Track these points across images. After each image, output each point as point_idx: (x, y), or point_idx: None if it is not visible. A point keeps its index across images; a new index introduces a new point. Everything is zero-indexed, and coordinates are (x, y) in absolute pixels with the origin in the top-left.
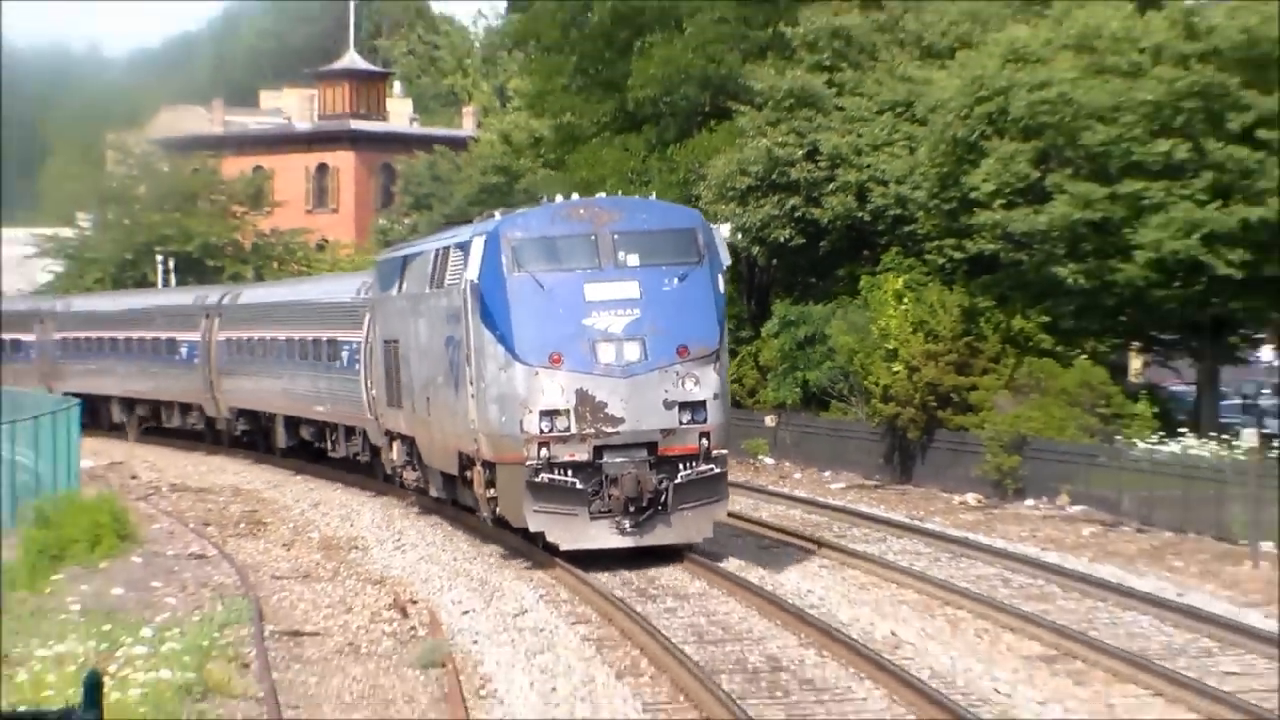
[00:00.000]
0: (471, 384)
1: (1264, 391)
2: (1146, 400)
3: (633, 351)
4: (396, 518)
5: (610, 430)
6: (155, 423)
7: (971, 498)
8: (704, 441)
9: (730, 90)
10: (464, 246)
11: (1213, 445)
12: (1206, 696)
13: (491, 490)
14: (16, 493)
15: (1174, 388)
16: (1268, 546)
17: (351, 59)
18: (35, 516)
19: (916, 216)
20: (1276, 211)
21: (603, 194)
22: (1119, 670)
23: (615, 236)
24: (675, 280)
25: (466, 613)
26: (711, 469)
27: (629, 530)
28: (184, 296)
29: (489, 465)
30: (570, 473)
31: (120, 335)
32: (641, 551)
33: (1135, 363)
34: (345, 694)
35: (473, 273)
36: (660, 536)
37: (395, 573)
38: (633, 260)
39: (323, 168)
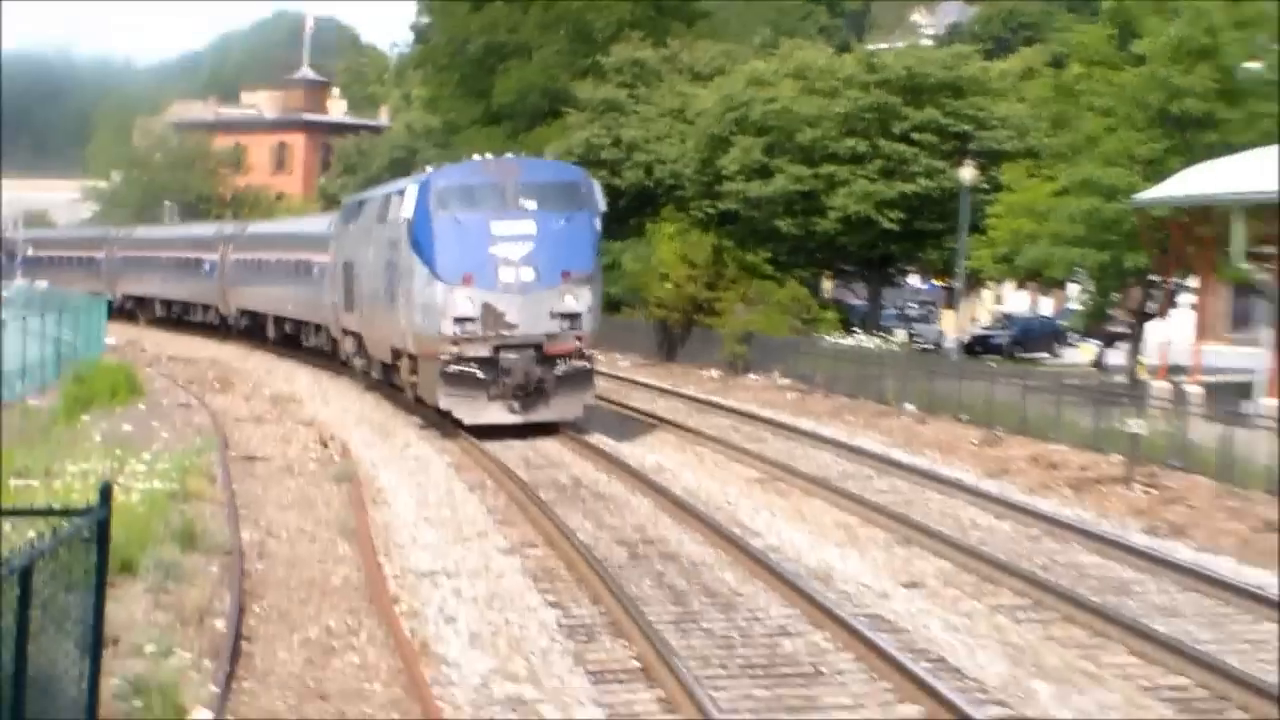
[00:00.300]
0: (403, 296)
1: (910, 305)
2: (833, 310)
3: (527, 274)
4: (326, 382)
5: (507, 334)
6: (184, 318)
7: (714, 373)
8: (579, 344)
9: (563, 98)
10: (402, 192)
11: (876, 340)
12: (865, 505)
13: (414, 376)
14: (61, 359)
15: (852, 302)
16: (910, 407)
17: (305, 71)
18: (71, 376)
19: (685, 185)
20: (922, 187)
21: None
22: (809, 488)
23: (517, 186)
24: (562, 221)
25: (370, 447)
26: (584, 365)
27: (517, 410)
28: (207, 229)
29: (413, 358)
30: (476, 365)
31: (162, 255)
32: (528, 426)
33: (827, 285)
34: (283, 499)
35: (408, 212)
36: (542, 415)
37: (321, 418)
38: (530, 205)
39: (282, 145)
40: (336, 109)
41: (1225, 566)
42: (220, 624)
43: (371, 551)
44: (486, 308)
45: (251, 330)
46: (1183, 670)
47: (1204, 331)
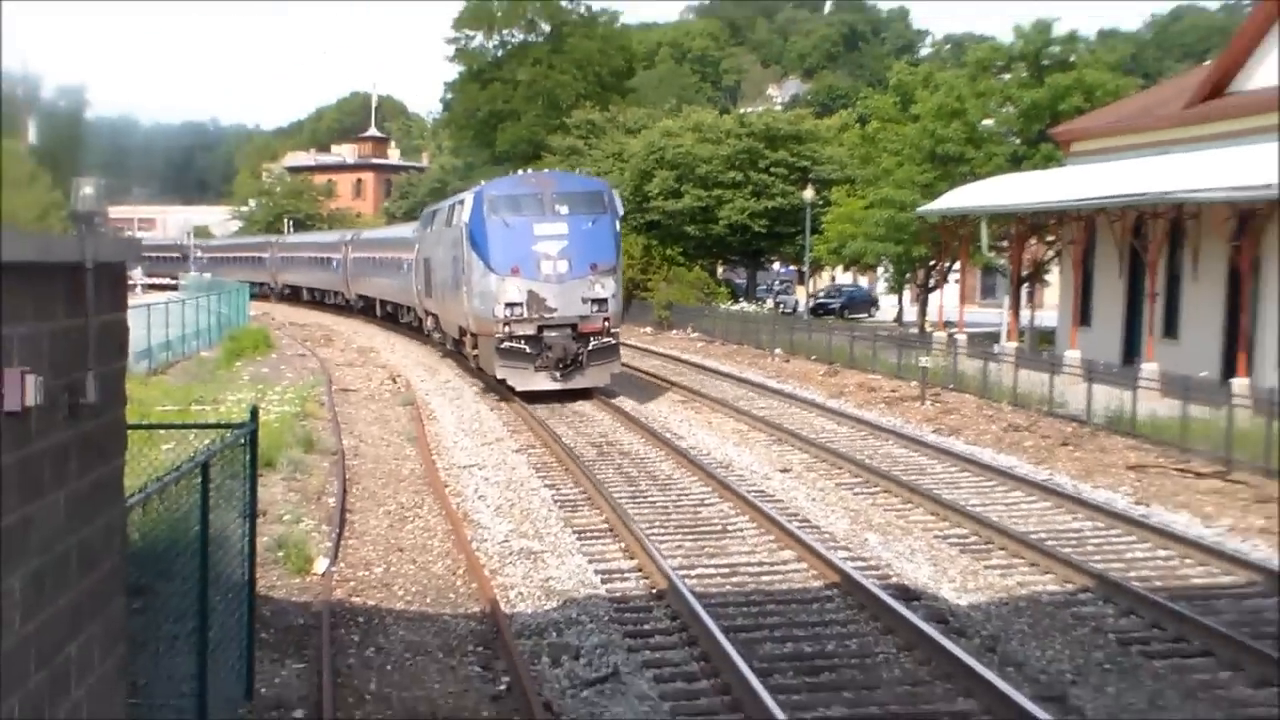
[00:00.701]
0: (465, 286)
1: (776, 284)
2: (725, 287)
3: (562, 266)
4: (397, 341)
5: (548, 316)
6: (322, 301)
7: (649, 329)
8: (606, 324)
9: (542, 147)
10: (463, 201)
11: (754, 307)
12: (752, 417)
13: (475, 350)
14: (220, 325)
15: (737, 281)
16: (778, 351)
17: (372, 131)
18: (227, 336)
19: (624, 204)
20: (779, 204)
21: None
22: (715, 406)
23: (553, 195)
24: (590, 223)
25: (422, 383)
26: (610, 341)
27: (558, 379)
28: (333, 236)
29: (474, 335)
30: (523, 341)
31: (304, 255)
32: (566, 393)
33: (720, 269)
34: (368, 417)
35: (466, 217)
36: (578, 382)
37: (392, 363)
38: (563, 210)
39: (359, 180)
40: (393, 155)
41: (986, 455)
42: (331, 501)
43: (428, 452)
44: (531, 294)
45: (366, 310)
46: (961, 524)
47: (965, 298)
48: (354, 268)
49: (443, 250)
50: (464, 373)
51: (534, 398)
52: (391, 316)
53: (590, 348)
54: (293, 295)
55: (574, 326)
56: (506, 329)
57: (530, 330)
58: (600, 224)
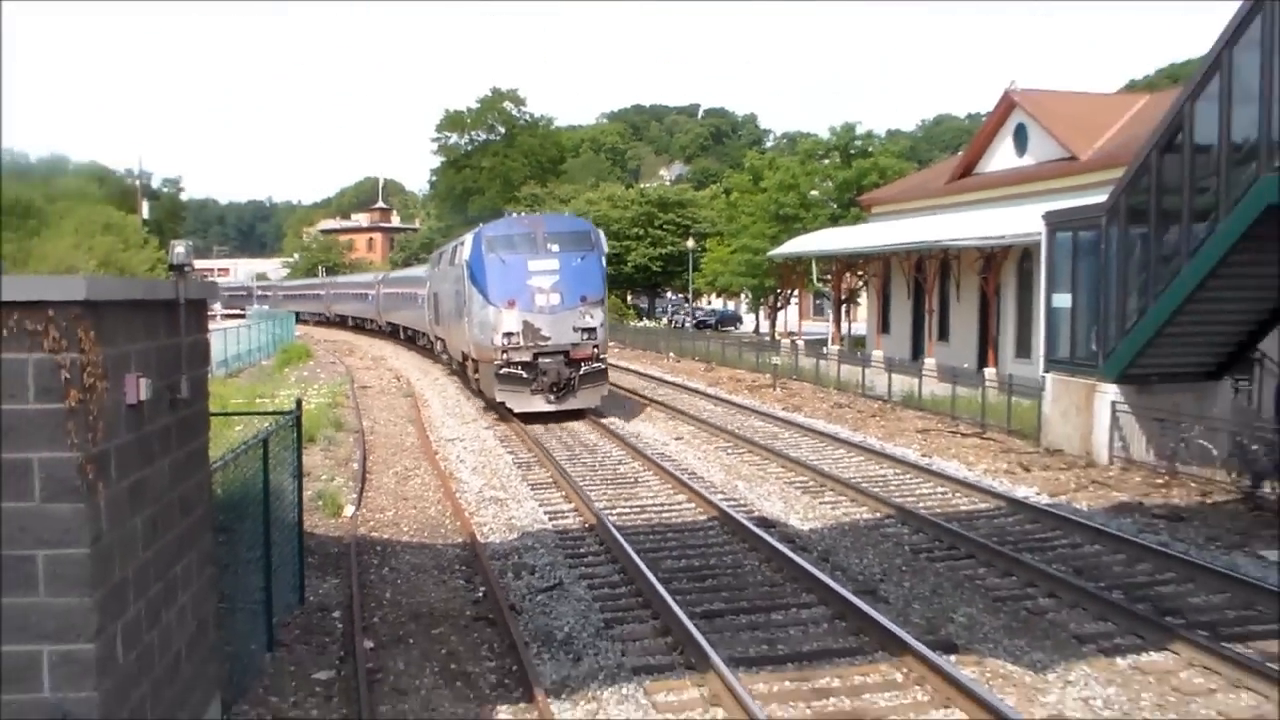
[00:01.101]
0: (467, 316)
1: (670, 307)
2: (633, 309)
3: (555, 299)
4: (403, 353)
5: (543, 343)
6: (363, 327)
7: None
8: (595, 350)
9: (502, 213)
10: (463, 243)
11: (653, 323)
12: (653, 401)
13: (476, 375)
14: (274, 341)
15: (641, 305)
16: (671, 355)
17: (380, 203)
18: (279, 350)
19: None
20: (670, 251)
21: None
22: (627, 394)
23: (545, 234)
24: (579, 259)
25: (418, 381)
26: (599, 365)
27: (552, 401)
28: (368, 276)
29: (475, 361)
30: (520, 367)
31: (347, 292)
32: (560, 414)
33: (629, 297)
34: (380, 405)
35: (467, 255)
36: (570, 404)
37: (397, 367)
38: (555, 248)
39: (370, 239)
40: (395, 220)
41: (819, 425)
42: (355, 465)
43: (423, 429)
44: (526, 324)
45: (393, 334)
46: (803, 473)
47: (802, 315)
48: (384, 301)
49: (448, 285)
50: (450, 374)
51: (530, 418)
52: (411, 339)
53: (581, 372)
54: (341, 322)
55: (566, 353)
56: (505, 356)
57: (526, 357)
58: (588, 260)
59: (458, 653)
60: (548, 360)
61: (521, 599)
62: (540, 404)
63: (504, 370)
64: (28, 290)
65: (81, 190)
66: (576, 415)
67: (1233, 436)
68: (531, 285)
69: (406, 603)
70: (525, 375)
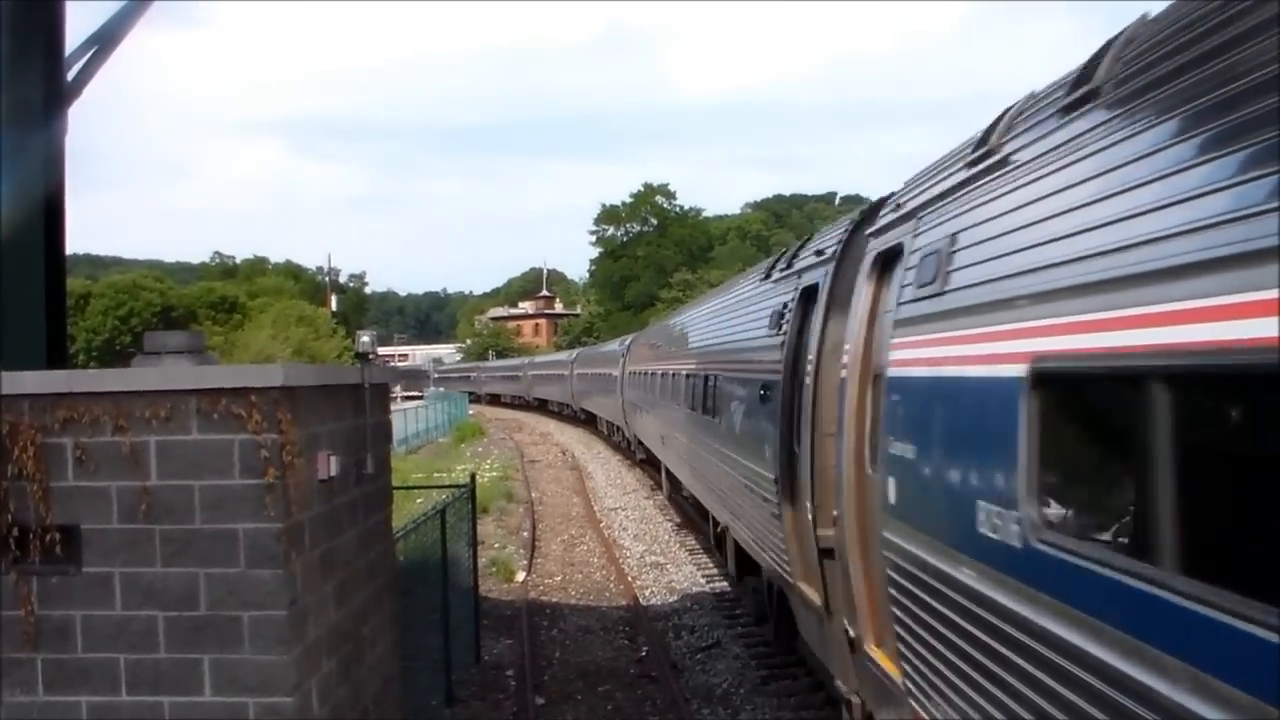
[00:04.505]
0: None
1: None
2: None
3: None
4: (565, 425)
5: None
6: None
7: None
8: None
9: (655, 298)
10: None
11: None
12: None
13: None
14: (450, 419)
15: None
16: None
17: (545, 291)
18: (454, 427)
19: None
20: None
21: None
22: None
23: None
24: None
25: (581, 455)
26: None
27: None
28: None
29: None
30: None
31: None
32: None
33: None
34: (548, 477)
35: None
36: None
37: (564, 443)
38: None
39: (537, 325)
40: (558, 306)
41: None
42: (525, 534)
43: (588, 499)
44: None
45: (541, 406)
46: None
47: None
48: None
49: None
50: (611, 446)
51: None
52: (544, 406)
53: None
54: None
55: None
56: None
57: None
58: None
59: (623, 708)
60: None
61: (682, 657)
62: None
63: None
64: (234, 378)
65: (278, 287)
66: None
67: None
68: None
69: (574, 661)
70: None
